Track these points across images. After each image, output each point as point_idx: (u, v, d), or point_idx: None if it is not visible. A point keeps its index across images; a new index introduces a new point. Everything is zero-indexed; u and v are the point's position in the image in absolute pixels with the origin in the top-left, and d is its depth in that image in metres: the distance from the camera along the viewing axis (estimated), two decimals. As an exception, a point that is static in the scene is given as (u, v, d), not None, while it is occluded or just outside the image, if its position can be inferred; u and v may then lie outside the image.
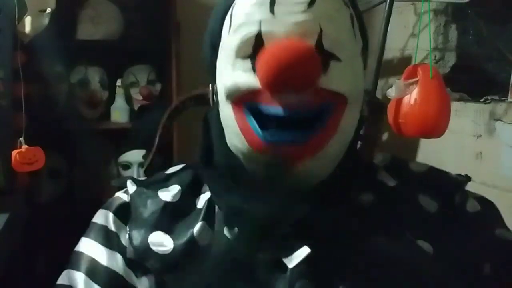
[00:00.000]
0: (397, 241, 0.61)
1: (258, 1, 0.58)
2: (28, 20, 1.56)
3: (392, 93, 1.31)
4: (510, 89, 1.36)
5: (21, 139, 1.54)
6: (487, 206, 0.68)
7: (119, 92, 2.17)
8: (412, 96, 1.28)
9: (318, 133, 0.58)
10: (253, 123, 0.59)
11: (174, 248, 0.62)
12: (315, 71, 0.56)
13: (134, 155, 2.07)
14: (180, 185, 0.67)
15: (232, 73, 0.60)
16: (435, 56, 1.66)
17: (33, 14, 1.56)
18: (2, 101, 1.64)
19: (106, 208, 0.68)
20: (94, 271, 0.63)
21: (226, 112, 0.62)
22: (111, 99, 2.19)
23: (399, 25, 1.75)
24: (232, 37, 0.60)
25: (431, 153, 1.59)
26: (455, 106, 1.43)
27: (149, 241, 0.63)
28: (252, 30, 0.58)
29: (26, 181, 1.76)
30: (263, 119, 0.58)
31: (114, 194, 0.71)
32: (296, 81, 0.55)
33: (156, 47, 2.16)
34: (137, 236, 0.64)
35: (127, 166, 2.10)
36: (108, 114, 2.18)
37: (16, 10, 1.54)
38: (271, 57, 0.55)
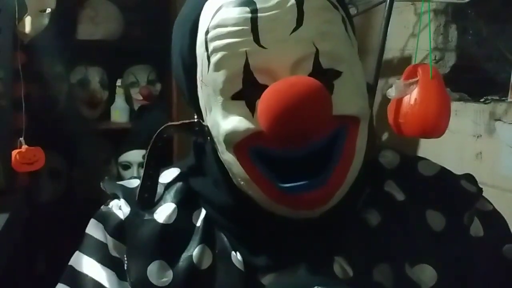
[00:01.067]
0: (402, 270, 0.58)
1: (238, 29, 0.51)
2: (28, 20, 1.56)
3: (392, 93, 1.31)
4: (510, 89, 1.36)
5: (21, 139, 1.54)
6: (492, 226, 0.64)
7: (119, 92, 2.17)
8: (412, 96, 1.28)
9: (338, 166, 0.52)
10: (265, 172, 0.53)
11: (173, 277, 0.58)
12: (328, 113, 0.50)
13: (134, 155, 2.07)
14: (175, 203, 0.62)
15: (225, 116, 0.53)
16: (435, 56, 1.66)
17: (33, 14, 1.56)
18: (2, 101, 1.64)
19: (102, 223, 0.63)
20: None
21: (229, 159, 0.55)
22: (111, 99, 2.19)
23: (399, 25, 1.75)
24: (214, 73, 0.52)
25: (431, 153, 1.59)
26: (455, 106, 1.43)
27: (147, 273, 0.58)
28: (238, 64, 0.51)
29: (26, 181, 1.77)
30: (273, 163, 0.52)
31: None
32: (309, 129, 0.49)
33: (156, 47, 2.15)
34: (134, 269, 0.59)
35: (127, 166, 2.10)
36: (108, 114, 2.18)
37: (16, 10, 1.54)
38: (276, 109, 0.48)
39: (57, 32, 1.79)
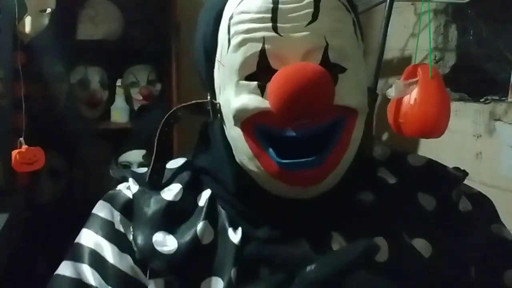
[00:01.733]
0: (397, 243, 0.61)
1: (259, 17, 0.56)
2: (28, 20, 1.56)
3: (392, 93, 1.31)
4: (510, 89, 1.36)
5: (21, 139, 1.54)
6: (480, 204, 0.68)
7: (119, 92, 2.17)
8: (412, 96, 1.28)
9: (333, 151, 0.57)
10: (267, 148, 0.57)
11: (178, 247, 0.61)
12: (331, 97, 0.55)
13: (134, 155, 2.07)
14: (181, 184, 0.67)
15: (237, 94, 0.58)
16: (435, 56, 1.66)
17: (33, 14, 1.56)
18: (2, 101, 1.64)
19: (110, 203, 0.67)
20: (104, 268, 0.62)
21: (235, 135, 0.60)
22: (111, 99, 2.19)
23: (399, 25, 1.75)
24: (233, 54, 0.58)
25: (431, 153, 1.59)
26: (455, 106, 1.43)
27: (153, 241, 0.62)
28: (256, 47, 0.56)
29: (26, 181, 1.77)
30: (276, 143, 0.57)
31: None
32: (313, 110, 0.54)
33: (156, 47, 2.16)
34: (141, 236, 0.62)
35: (127, 166, 2.10)
36: (108, 114, 2.18)
37: (16, 10, 1.54)
38: (284, 88, 0.53)
39: (57, 32, 1.79)
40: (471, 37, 1.68)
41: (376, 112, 1.79)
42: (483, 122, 1.42)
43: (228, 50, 0.58)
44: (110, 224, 0.65)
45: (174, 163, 0.70)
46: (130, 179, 0.67)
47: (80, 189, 2.12)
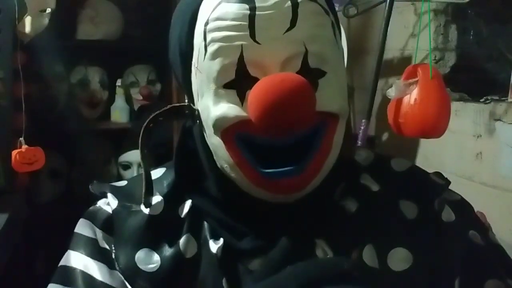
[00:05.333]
0: (379, 252, 0.61)
1: (236, 24, 0.54)
2: (28, 20, 1.56)
3: (392, 93, 1.31)
4: (510, 89, 1.36)
5: (21, 139, 1.54)
6: (461, 212, 0.68)
7: (119, 92, 2.17)
8: (412, 96, 1.28)
9: (314, 157, 0.56)
10: (249, 157, 0.56)
11: (161, 264, 0.60)
12: (312, 107, 0.54)
13: (134, 155, 2.07)
14: (161, 195, 0.65)
15: (216, 103, 0.56)
16: (435, 56, 1.66)
17: (33, 14, 1.56)
18: (2, 101, 1.64)
19: (91, 220, 0.65)
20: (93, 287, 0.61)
21: (215, 142, 0.58)
22: (111, 99, 2.19)
23: (399, 25, 1.75)
24: (210, 62, 0.56)
25: (431, 153, 1.59)
26: (455, 106, 1.43)
27: (135, 260, 0.61)
28: (233, 56, 0.55)
29: (26, 181, 1.76)
30: (256, 150, 0.56)
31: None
32: (294, 122, 0.53)
33: (156, 47, 2.15)
34: (123, 256, 0.61)
35: (127, 166, 2.11)
36: (108, 114, 2.18)
37: (16, 10, 1.54)
38: (264, 102, 0.52)
39: (57, 32, 1.79)
40: (471, 37, 1.68)
41: (376, 112, 1.79)
42: (483, 122, 1.41)
43: (204, 57, 0.56)
44: (94, 242, 0.64)
45: (153, 174, 0.68)
46: (109, 195, 0.66)
47: (80, 189, 2.12)
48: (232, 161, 0.57)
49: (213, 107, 0.57)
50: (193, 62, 0.59)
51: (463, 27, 1.67)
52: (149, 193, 0.64)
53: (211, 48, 0.55)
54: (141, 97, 2.21)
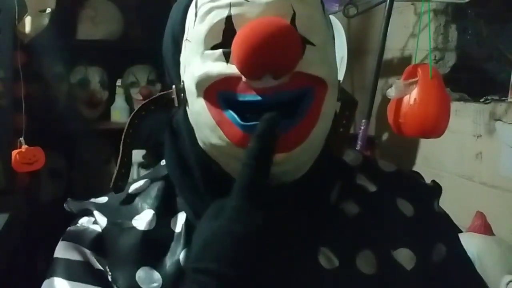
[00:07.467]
0: (384, 255, 0.60)
1: None
2: (28, 20, 1.56)
3: (392, 93, 1.31)
4: (510, 89, 1.36)
5: (21, 139, 1.54)
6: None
7: (119, 92, 2.17)
8: (412, 96, 1.28)
9: (301, 121, 0.54)
10: (230, 114, 0.54)
11: (163, 282, 0.58)
12: (298, 51, 0.53)
13: (134, 155, 2.06)
14: (153, 209, 0.62)
15: (201, 64, 0.55)
16: (435, 56, 1.66)
17: (33, 14, 1.56)
18: (2, 101, 1.64)
19: (77, 242, 0.61)
20: None
21: (198, 106, 0.56)
22: (111, 99, 2.19)
23: (399, 25, 1.75)
24: (199, 25, 0.56)
25: (431, 153, 1.59)
26: (455, 106, 1.43)
27: (137, 279, 0.58)
28: (222, 14, 0.54)
29: (26, 181, 1.77)
30: (239, 110, 0.54)
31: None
32: (278, 63, 0.52)
33: (156, 47, 2.15)
34: (122, 277, 0.58)
35: (127, 166, 2.10)
36: (108, 114, 2.18)
37: (16, 10, 1.55)
38: (248, 38, 0.51)
39: (57, 32, 1.79)
40: (471, 37, 1.68)
41: (376, 112, 1.79)
42: (483, 122, 1.41)
43: (194, 23, 0.57)
44: (86, 265, 0.60)
45: (138, 187, 0.66)
46: (96, 212, 0.62)
47: (80, 189, 2.12)
48: (214, 121, 0.55)
49: (197, 68, 0.56)
50: (184, 38, 0.59)
51: (463, 27, 1.67)
52: (124, 183, 0.62)
53: (201, 11, 0.56)
54: (141, 97, 2.20)
